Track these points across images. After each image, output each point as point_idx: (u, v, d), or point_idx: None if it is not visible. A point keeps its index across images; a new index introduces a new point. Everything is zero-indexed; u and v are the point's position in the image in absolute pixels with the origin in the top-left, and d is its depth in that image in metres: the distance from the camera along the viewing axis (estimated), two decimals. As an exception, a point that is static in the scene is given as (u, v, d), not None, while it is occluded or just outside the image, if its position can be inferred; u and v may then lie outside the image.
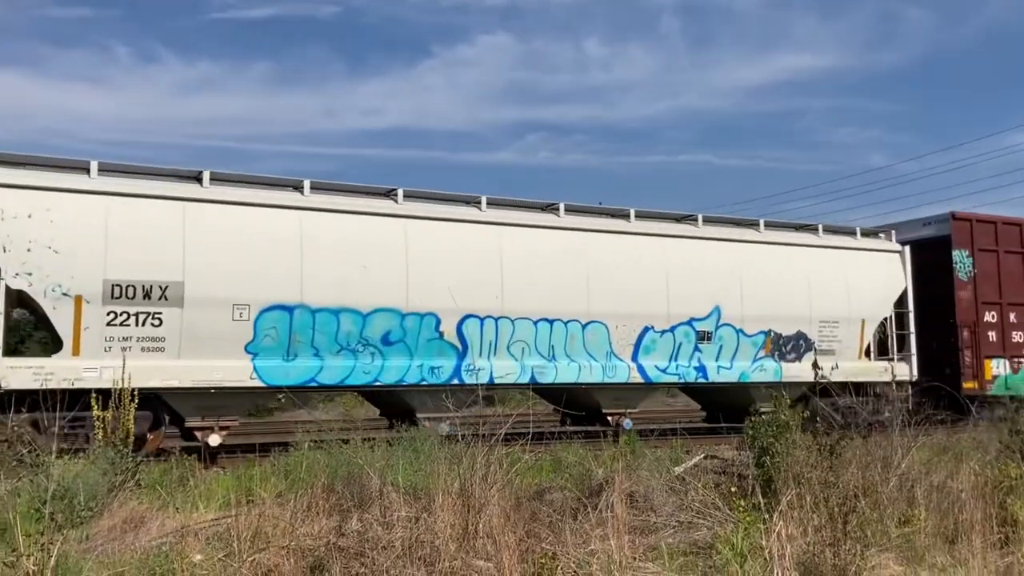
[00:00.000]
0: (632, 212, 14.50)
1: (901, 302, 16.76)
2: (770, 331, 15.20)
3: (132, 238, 10.94)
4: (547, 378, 13.43)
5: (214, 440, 11.38)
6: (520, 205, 13.82)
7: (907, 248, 16.94)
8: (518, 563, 5.08)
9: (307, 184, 12.15)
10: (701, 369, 14.65)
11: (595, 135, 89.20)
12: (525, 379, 13.20)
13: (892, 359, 16.52)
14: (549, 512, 6.68)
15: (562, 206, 13.93)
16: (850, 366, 15.84)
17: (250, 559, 5.14)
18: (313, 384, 11.90)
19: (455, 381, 12.69)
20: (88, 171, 10.96)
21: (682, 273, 14.49)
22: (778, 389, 15.23)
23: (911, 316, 16.73)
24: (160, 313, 11.00)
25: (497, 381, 13.04)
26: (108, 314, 10.74)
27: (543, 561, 5.21)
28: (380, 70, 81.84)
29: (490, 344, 13.01)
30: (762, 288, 15.14)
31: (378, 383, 12.34)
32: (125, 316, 10.84)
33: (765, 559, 5.28)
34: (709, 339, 14.68)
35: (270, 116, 74.27)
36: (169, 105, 70.48)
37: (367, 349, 12.20)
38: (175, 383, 11.08)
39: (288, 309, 11.67)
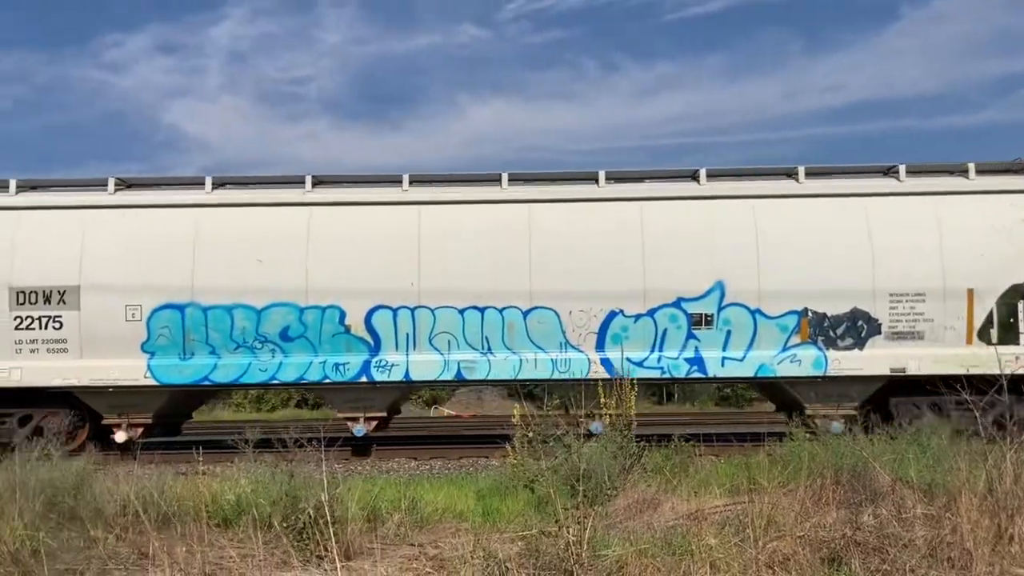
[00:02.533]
0: (602, 175, 12.07)
1: (1048, 262, 11.80)
2: (805, 310, 11.62)
3: (35, 247, 11.74)
4: (477, 374, 11.70)
5: (120, 436, 11.74)
6: (452, 180, 12.25)
7: (1056, 185, 11.89)
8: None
9: (208, 181, 12.03)
10: (696, 361, 11.68)
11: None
12: (449, 375, 11.64)
13: (1027, 343, 11.71)
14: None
15: (505, 176, 12.07)
16: (945, 354, 11.53)
17: (766, 546, 5.16)
18: (207, 383, 11.70)
19: (363, 379, 11.62)
20: (7, 188, 12.01)
21: (665, 244, 11.72)
22: (822, 386, 11.73)
23: (1065, 281, 11.70)
24: (60, 316, 11.63)
25: (415, 378, 11.66)
26: (15, 319, 11.63)
27: None
28: (840, 44, 78.50)
29: (407, 337, 11.69)
30: (790, 255, 11.65)
31: (276, 381, 11.75)
32: (31, 320, 11.65)
33: None
34: (709, 323, 11.66)
35: (725, 107, 75.47)
36: (630, 110, 75.06)
37: (266, 346, 11.69)
38: (74, 382, 11.63)
39: (179, 308, 11.62)
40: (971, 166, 12.08)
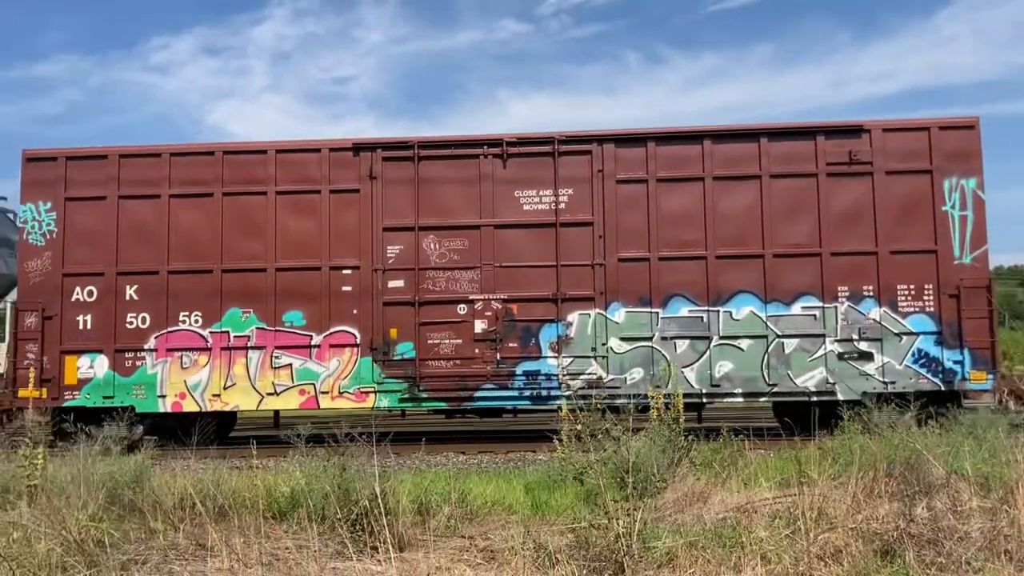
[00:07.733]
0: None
1: None
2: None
3: None
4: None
5: None
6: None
7: None
8: None
9: None
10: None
11: None
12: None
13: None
14: None
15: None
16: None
17: (818, 538, 5.14)
18: None
19: None
20: None
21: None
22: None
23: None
24: None
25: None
26: None
27: None
28: (890, 30, 74.11)
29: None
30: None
31: None
32: None
33: None
34: None
35: (773, 97, 72.68)
36: (676, 102, 73.06)
37: None
38: None
39: None
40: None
